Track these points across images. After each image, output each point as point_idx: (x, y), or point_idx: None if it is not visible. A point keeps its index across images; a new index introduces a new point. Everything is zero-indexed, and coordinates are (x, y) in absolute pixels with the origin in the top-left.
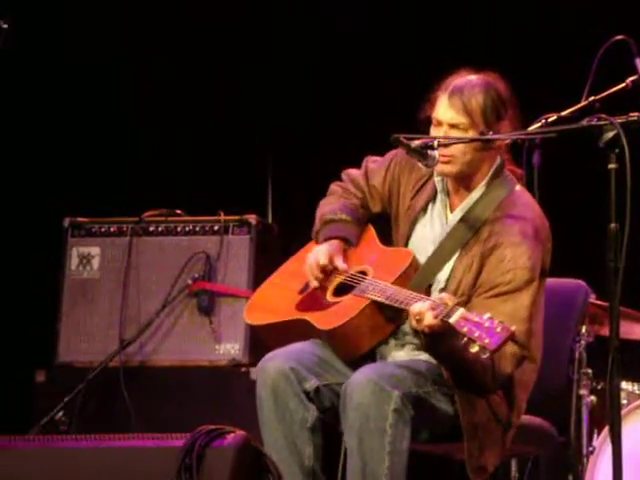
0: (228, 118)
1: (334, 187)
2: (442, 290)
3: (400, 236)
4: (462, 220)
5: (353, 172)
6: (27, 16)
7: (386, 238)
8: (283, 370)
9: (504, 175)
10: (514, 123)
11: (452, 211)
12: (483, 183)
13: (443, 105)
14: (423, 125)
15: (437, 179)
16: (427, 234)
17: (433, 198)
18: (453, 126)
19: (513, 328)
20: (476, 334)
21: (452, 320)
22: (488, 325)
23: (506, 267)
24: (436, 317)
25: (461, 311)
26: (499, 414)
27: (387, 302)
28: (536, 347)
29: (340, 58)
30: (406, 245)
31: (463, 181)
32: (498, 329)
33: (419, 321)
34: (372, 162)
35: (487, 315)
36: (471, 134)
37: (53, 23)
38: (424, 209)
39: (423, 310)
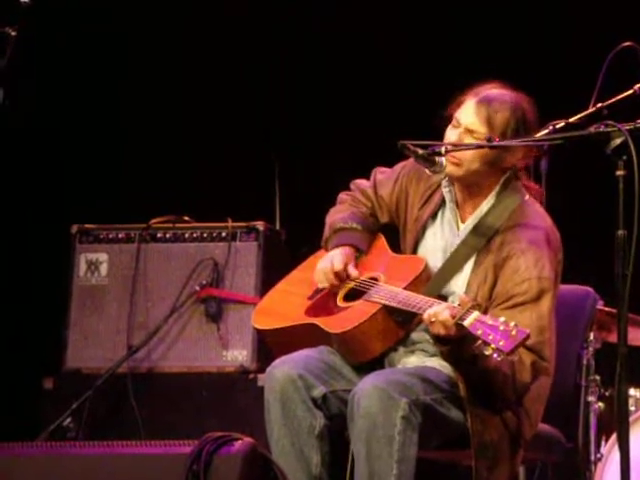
0: (236, 124)
1: (343, 196)
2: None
3: (408, 245)
4: (474, 229)
5: (362, 183)
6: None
7: (394, 248)
8: (291, 377)
9: (513, 185)
10: (530, 149)
11: (463, 222)
12: (493, 194)
13: (468, 108)
14: (439, 124)
15: (445, 190)
16: (437, 242)
17: (442, 207)
18: (470, 131)
19: (528, 331)
20: (490, 337)
21: (466, 323)
22: (503, 328)
23: (521, 277)
24: (453, 317)
25: (476, 314)
26: (512, 430)
27: (399, 306)
28: (551, 358)
29: (349, 65)
30: (415, 253)
31: (470, 191)
32: (513, 332)
33: (433, 323)
34: (380, 173)
35: (502, 318)
36: None
37: (57, 27)
38: (433, 217)
39: (439, 311)
